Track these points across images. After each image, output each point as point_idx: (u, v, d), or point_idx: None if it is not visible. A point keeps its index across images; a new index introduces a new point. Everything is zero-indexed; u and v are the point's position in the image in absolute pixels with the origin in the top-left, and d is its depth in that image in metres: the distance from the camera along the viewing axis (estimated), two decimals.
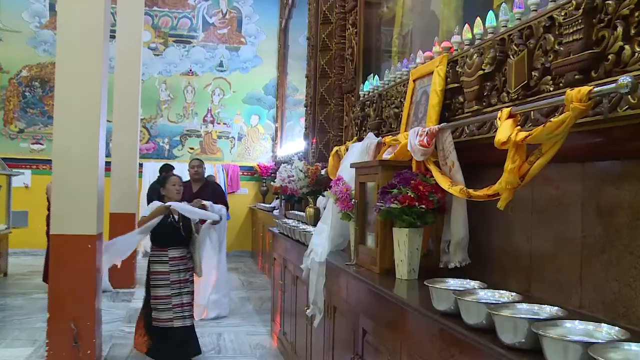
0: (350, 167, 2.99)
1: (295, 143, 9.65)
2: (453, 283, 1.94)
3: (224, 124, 11.47)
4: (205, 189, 6.21)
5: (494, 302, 1.65)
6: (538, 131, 1.61)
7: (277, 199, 8.23)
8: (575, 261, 1.80)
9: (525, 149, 1.73)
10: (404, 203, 2.27)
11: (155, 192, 4.57)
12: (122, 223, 7.19)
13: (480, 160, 2.27)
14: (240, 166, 11.42)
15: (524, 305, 1.55)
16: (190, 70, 11.35)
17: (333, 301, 3.13)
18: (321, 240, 3.34)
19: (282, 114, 11.05)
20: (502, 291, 1.75)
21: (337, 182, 3.07)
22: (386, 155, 2.85)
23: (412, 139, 2.45)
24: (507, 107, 1.89)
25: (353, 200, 2.90)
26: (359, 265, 2.78)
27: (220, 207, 5.59)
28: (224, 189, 9.48)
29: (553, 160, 1.67)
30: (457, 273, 2.29)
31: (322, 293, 3.26)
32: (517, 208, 2.11)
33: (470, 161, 2.31)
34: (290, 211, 5.97)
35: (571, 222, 1.83)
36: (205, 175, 6.99)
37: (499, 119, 1.84)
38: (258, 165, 11.34)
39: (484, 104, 2.23)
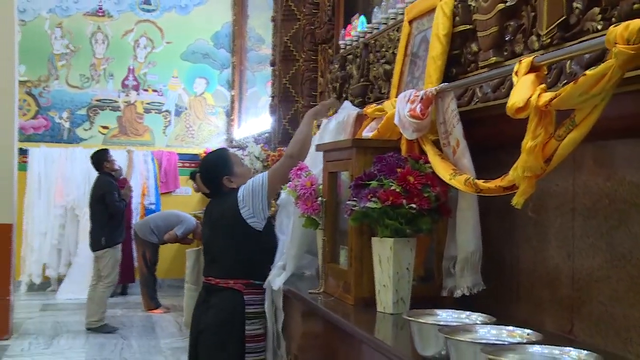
0: (316, 150, 3.04)
1: (259, 119, 9.63)
2: (446, 316, 1.96)
3: (154, 91, 11.43)
4: None
5: (498, 342, 1.65)
6: (567, 90, 1.62)
7: None
8: None
9: (553, 117, 1.74)
10: (387, 201, 2.28)
11: (214, 182, 3.75)
12: None
13: (498, 137, 2.29)
14: (179, 154, 11.39)
15: (538, 349, 1.54)
16: (100, 8, 11.22)
17: (294, 347, 3.14)
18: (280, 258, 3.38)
19: (241, 76, 11.02)
20: (512, 328, 1.75)
21: (299, 172, 3.10)
22: (368, 132, 2.87)
23: (400, 108, 2.47)
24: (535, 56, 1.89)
25: (320, 199, 2.92)
26: (328, 294, 2.80)
27: None
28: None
29: (604, 134, 1.68)
30: (467, 303, 2.30)
31: (281, 336, 3.28)
32: (552, 208, 2.13)
33: (484, 139, 2.33)
34: None
35: (634, 230, 1.84)
36: None
37: (516, 73, 1.85)
38: (206, 152, 11.31)
39: (505, 53, 2.24)
